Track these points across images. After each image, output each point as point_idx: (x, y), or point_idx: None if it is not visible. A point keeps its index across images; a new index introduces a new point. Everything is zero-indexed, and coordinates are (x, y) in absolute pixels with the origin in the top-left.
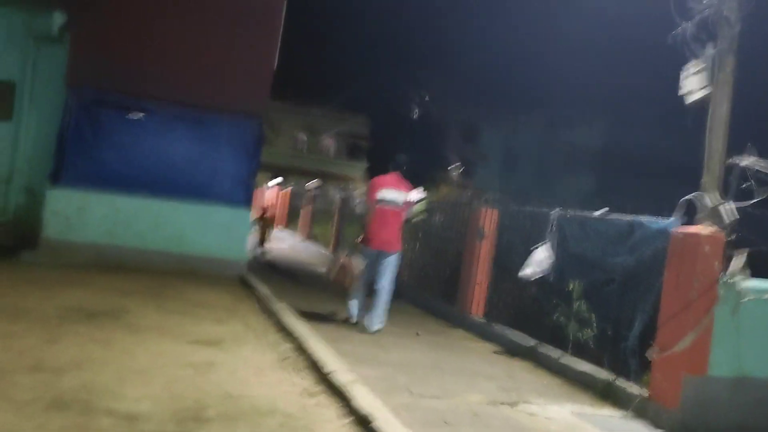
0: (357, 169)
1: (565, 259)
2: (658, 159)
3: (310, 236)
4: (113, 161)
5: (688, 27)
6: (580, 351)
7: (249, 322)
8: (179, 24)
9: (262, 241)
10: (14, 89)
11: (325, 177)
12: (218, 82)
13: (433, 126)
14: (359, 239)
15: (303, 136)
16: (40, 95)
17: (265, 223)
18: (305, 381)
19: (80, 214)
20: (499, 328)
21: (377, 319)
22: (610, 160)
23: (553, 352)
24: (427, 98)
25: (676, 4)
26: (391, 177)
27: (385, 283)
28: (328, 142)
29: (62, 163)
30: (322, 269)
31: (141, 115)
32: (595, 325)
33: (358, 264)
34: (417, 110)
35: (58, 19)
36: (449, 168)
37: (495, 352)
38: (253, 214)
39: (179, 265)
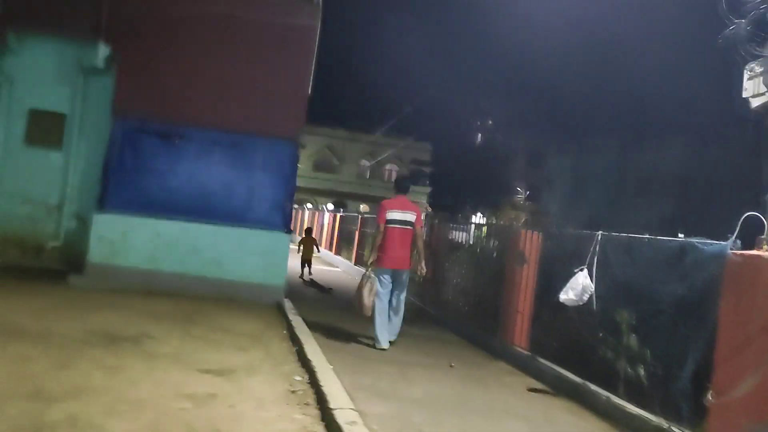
0: (420, 194)
1: (610, 288)
2: (747, 180)
3: (361, 260)
4: (155, 187)
5: (741, 26)
6: (633, 391)
7: (271, 350)
8: (216, 51)
9: (306, 262)
10: (64, 120)
11: None
12: (254, 106)
13: (497, 150)
14: (372, 260)
15: (366, 163)
16: (88, 125)
17: (307, 244)
18: (307, 417)
19: (124, 238)
20: (544, 362)
21: (394, 334)
22: (693, 183)
23: (600, 392)
24: (490, 122)
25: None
26: (399, 199)
27: (402, 300)
28: (391, 169)
29: (107, 189)
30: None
31: (181, 141)
32: (647, 362)
33: (374, 286)
34: (480, 135)
35: (104, 51)
36: (514, 193)
37: (535, 389)
38: (293, 237)
39: (217, 291)
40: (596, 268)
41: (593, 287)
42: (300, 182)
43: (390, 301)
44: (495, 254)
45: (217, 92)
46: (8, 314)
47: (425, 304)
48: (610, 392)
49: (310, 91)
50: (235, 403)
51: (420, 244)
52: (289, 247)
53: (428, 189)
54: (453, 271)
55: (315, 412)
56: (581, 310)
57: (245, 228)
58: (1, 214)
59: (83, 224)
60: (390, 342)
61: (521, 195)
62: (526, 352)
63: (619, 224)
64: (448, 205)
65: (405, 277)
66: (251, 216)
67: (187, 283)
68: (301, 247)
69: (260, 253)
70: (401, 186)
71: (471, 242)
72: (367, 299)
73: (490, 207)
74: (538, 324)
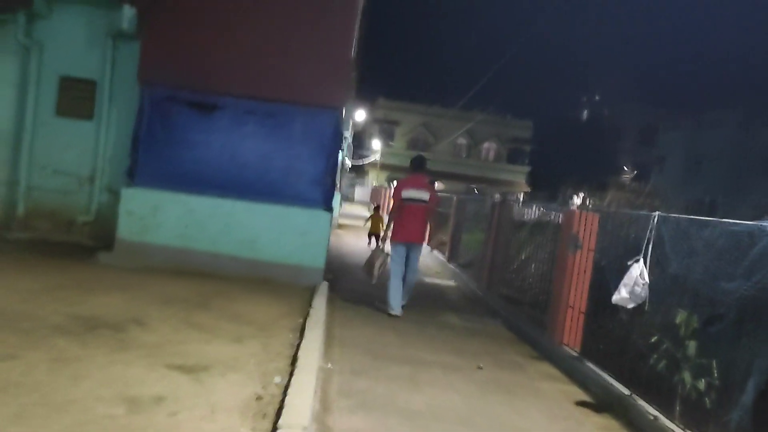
0: (518, 174)
1: (665, 282)
2: None
3: (432, 241)
4: (186, 160)
5: None
6: (693, 408)
7: (270, 343)
8: (250, 12)
9: (372, 235)
10: (95, 88)
11: (484, 182)
12: (291, 73)
13: (604, 127)
14: (388, 234)
15: (463, 141)
16: (119, 94)
17: (375, 221)
18: None
19: (154, 214)
20: (591, 367)
21: (405, 298)
22: None
23: (647, 410)
24: (597, 98)
25: None
26: (415, 177)
27: (415, 271)
28: (489, 147)
29: (136, 162)
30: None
31: (213, 110)
32: (708, 375)
33: (388, 258)
34: (585, 111)
35: (130, 13)
36: (621, 173)
37: (576, 402)
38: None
39: (251, 272)
40: (651, 258)
41: (646, 279)
42: (394, 160)
43: (405, 273)
44: (548, 237)
45: (252, 57)
46: None
47: (482, 291)
48: (661, 411)
49: (354, 54)
50: (181, 410)
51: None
52: (329, 227)
53: (527, 168)
54: (512, 255)
55: (267, 426)
56: (637, 308)
57: (281, 205)
58: (32, 186)
59: (115, 198)
60: (402, 306)
61: (628, 175)
62: (574, 354)
63: (740, 209)
64: (547, 184)
65: (418, 250)
66: (288, 192)
67: (220, 263)
68: (369, 223)
69: (297, 233)
70: (417, 165)
71: (532, 223)
72: (376, 270)
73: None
74: (593, 321)
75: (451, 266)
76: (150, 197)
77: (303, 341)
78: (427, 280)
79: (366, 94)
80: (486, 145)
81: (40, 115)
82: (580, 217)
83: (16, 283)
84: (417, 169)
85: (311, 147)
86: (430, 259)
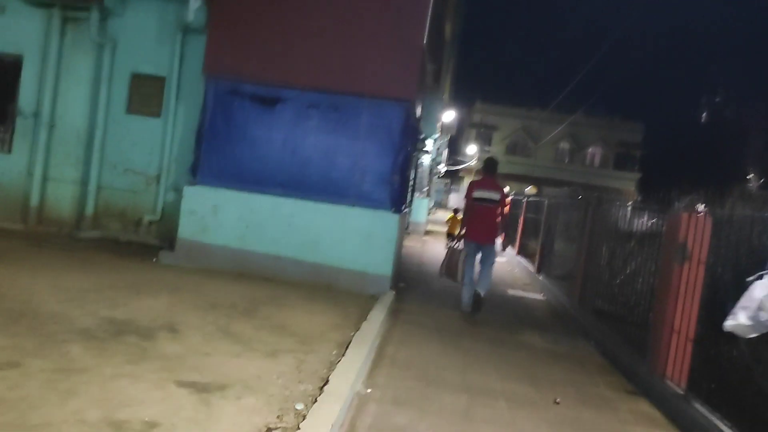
0: (627, 180)
1: None
2: None
3: (523, 250)
4: (247, 156)
5: None
6: None
7: (307, 360)
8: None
9: (449, 235)
10: (164, 84)
11: (588, 190)
12: (357, 61)
13: (727, 130)
14: (461, 234)
15: (565, 146)
16: (186, 90)
17: (454, 222)
18: None
19: (215, 213)
20: (700, 410)
21: (484, 289)
22: None
23: None
24: (717, 99)
25: None
26: (485, 179)
27: (489, 270)
28: (594, 152)
29: (199, 159)
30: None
31: (276, 103)
32: None
33: (462, 257)
34: (705, 112)
35: (194, 4)
36: (748, 180)
37: None
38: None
39: (313, 277)
40: None
41: None
42: None
43: (479, 273)
44: (652, 245)
45: (316, 46)
46: (43, 292)
47: (573, 307)
48: None
49: (425, 41)
50: None
51: (504, 220)
52: (396, 231)
53: (637, 175)
54: (609, 266)
55: None
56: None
57: (345, 205)
58: (102, 185)
59: (180, 197)
60: (481, 297)
61: (754, 182)
62: (678, 391)
63: None
64: (660, 193)
65: (491, 248)
66: (352, 191)
67: (282, 267)
68: (449, 224)
69: (362, 236)
70: (489, 167)
71: (636, 230)
72: (459, 270)
73: (714, 196)
74: (705, 351)
75: (540, 278)
76: (211, 196)
77: (342, 360)
78: (511, 292)
79: (463, 97)
80: (591, 149)
81: (112, 113)
82: (688, 221)
83: (70, 282)
84: (488, 171)
85: (378, 143)
86: (518, 269)
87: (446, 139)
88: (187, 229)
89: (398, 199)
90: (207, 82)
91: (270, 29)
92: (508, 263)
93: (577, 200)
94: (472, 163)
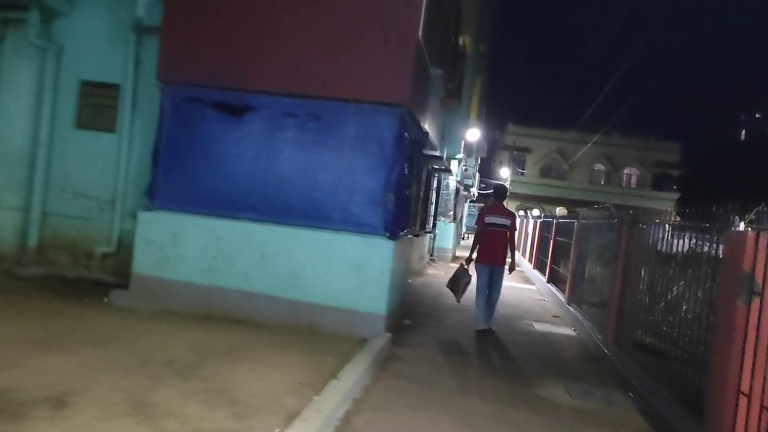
0: (665, 201)
1: None
2: None
3: (553, 277)
4: (212, 176)
5: None
6: None
7: None
8: None
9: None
10: (118, 93)
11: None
12: (339, 61)
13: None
14: (473, 256)
15: (600, 167)
16: (144, 100)
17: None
18: None
19: (176, 243)
20: None
21: (490, 320)
22: None
23: None
24: (758, 115)
25: None
26: (496, 205)
27: (497, 292)
28: (630, 173)
29: (156, 180)
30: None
31: (245, 112)
32: None
33: (470, 279)
34: (745, 130)
35: (150, 1)
36: None
37: None
38: (395, 247)
39: (293, 317)
40: None
41: None
42: (525, 189)
43: (488, 293)
44: (704, 277)
45: (290, 45)
46: None
47: (607, 347)
48: None
49: (421, 36)
50: None
51: (513, 244)
52: (391, 260)
53: (675, 195)
54: (648, 296)
55: None
56: None
57: (330, 231)
58: (49, 211)
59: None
60: (487, 328)
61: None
62: None
63: None
64: (700, 214)
65: (500, 272)
66: (339, 215)
67: (256, 305)
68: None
69: (351, 267)
70: (499, 194)
71: (681, 253)
72: (460, 290)
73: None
74: None
75: (571, 309)
76: (171, 222)
77: None
78: (538, 327)
79: (495, 119)
80: (627, 170)
81: (59, 128)
82: (756, 244)
83: None
84: (498, 197)
85: (368, 156)
86: (549, 298)
87: (476, 162)
88: (143, 262)
89: (394, 223)
90: (163, 89)
91: (235, 25)
92: (538, 292)
93: (609, 219)
94: (507, 185)
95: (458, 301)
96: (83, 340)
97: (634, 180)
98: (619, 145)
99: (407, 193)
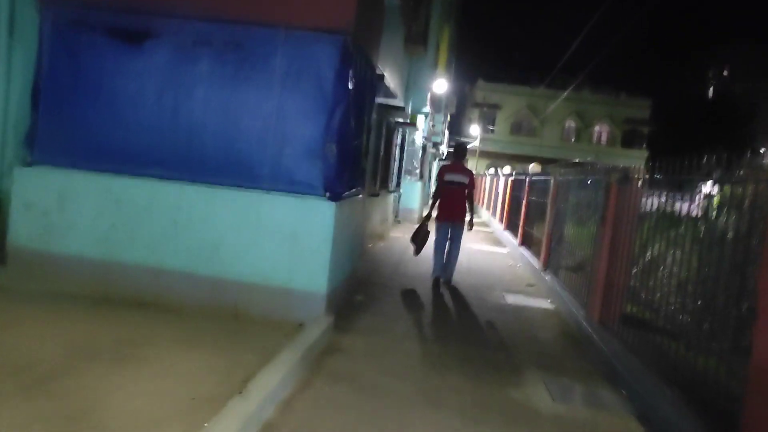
0: (635, 159)
1: None
2: None
3: (527, 240)
4: (108, 121)
5: None
6: None
7: None
8: None
9: None
10: None
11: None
12: None
13: (737, 103)
14: (432, 213)
15: (571, 124)
16: (26, 23)
17: None
18: None
19: (63, 207)
20: None
21: (449, 274)
22: None
23: None
24: (726, 72)
25: None
26: (455, 164)
27: (457, 248)
28: (601, 130)
29: (36, 127)
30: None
31: (147, 40)
32: None
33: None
34: (713, 87)
35: None
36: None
37: None
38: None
39: (213, 298)
40: None
41: None
42: (496, 147)
43: (449, 250)
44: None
45: None
46: None
47: (590, 324)
48: None
49: None
50: None
51: (472, 201)
52: (333, 227)
53: (645, 153)
54: (652, 266)
55: None
56: None
57: (257, 191)
58: None
59: None
60: (445, 284)
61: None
62: None
63: None
64: (662, 169)
65: (459, 229)
66: (268, 170)
67: (166, 284)
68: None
69: (284, 235)
70: (458, 153)
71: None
72: (419, 243)
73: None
74: None
75: (547, 277)
76: (55, 180)
77: None
78: (510, 299)
79: (465, 76)
80: (597, 127)
81: None
82: None
83: None
84: (457, 156)
85: (302, 97)
86: (521, 264)
87: (446, 118)
88: (22, 231)
89: (336, 180)
90: (41, 10)
91: None
92: (510, 256)
93: (593, 178)
94: (477, 143)
95: (416, 255)
96: None
97: (604, 137)
98: (590, 101)
99: (356, 144)
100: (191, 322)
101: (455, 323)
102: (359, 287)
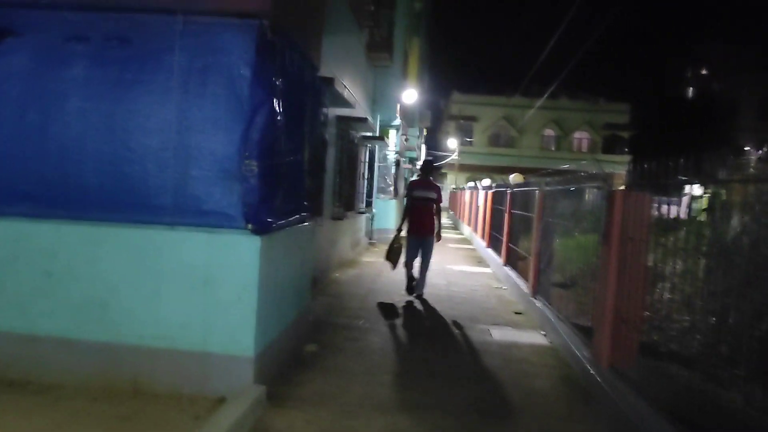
0: (617, 164)
1: None
2: None
3: (512, 259)
4: None
5: None
6: None
7: None
8: None
9: None
10: None
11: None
12: None
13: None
14: (404, 230)
15: (550, 133)
16: None
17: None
18: None
19: None
20: None
21: (420, 288)
22: None
23: None
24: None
25: None
26: (423, 180)
27: (427, 261)
28: (581, 137)
29: None
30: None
31: (8, 37)
32: None
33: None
34: (692, 87)
35: None
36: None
37: None
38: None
39: (104, 369)
40: None
41: None
42: (474, 159)
43: (421, 262)
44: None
45: None
46: None
47: (599, 369)
48: None
49: None
50: None
51: (439, 215)
52: (258, 265)
53: (626, 158)
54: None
55: None
56: None
57: (156, 227)
58: None
59: None
60: (417, 297)
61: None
62: None
63: None
64: (652, 174)
65: (429, 241)
66: (168, 200)
67: (41, 355)
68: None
69: (194, 283)
70: (426, 169)
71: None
72: (396, 258)
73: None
74: None
75: (537, 304)
76: None
77: None
78: (496, 334)
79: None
80: (577, 134)
81: None
82: None
83: None
84: (425, 172)
85: (210, 101)
86: (508, 286)
87: (421, 133)
88: None
89: (262, 206)
90: None
91: None
92: (494, 276)
93: (589, 185)
94: (455, 156)
95: (393, 270)
96: None
97: (585, 144)
98: (568, 108)
99: (291, 159)
100: (71, 406)
101: (432, 377)
102: (313, 333)
